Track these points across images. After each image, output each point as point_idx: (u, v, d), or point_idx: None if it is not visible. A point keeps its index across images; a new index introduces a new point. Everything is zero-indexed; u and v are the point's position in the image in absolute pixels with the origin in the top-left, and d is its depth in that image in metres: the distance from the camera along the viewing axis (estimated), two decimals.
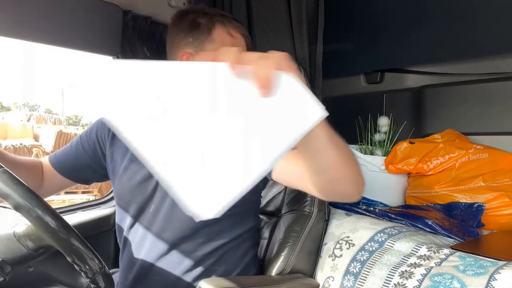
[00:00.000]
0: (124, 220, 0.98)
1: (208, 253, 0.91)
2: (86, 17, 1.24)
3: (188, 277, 0.90)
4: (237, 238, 0.95)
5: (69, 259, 0.61)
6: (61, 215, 0.63)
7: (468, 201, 1.28)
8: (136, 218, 0.94)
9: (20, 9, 1.09)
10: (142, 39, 1.40)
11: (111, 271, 1.06)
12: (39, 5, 1.13)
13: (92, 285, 0.62)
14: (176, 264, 0.91)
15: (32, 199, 0.59)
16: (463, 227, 1.17)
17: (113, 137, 0.98)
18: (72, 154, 1.03)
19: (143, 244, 0.93)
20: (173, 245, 0.91)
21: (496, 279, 0.82)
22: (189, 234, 0.90)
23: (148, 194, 0.93)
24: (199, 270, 0.91)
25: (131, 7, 1.35)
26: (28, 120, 7.17)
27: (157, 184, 0.91)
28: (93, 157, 1.01)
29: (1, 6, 1.04)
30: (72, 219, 1.21)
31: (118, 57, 1.36)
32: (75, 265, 0.61)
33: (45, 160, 1.03)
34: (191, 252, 0.91)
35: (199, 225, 0.89)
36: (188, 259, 0.91)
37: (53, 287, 0.67)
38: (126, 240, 0.97)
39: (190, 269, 0.90)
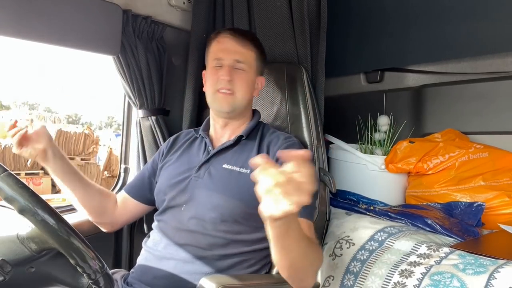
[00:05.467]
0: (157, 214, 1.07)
1: (224, 255, 0.93)
2: (86, 16, 1.24)
3: (202, 275, 0.90)
4: (256, 251, 0.97)
5: (72, 261, 0.61)
6: (62, 215, 0.63)
7: (468, 200, 1.29)
8: (164, 211, 1.04)
9: (20, 9, 1.09)
10: (142, 39, 1.40)
11: (111, 271, 1.06)
12: (39, 5, 1.13)
13: (93, 286, 0.62)
14: (189, 260, 0.93)
15: (36, 202, 0.59)
16: (463, 226, 1.17)
17: (166, 155, 1.13)
18: (139, 175, 1.17)
19: (164, 237, 0.98)
20: (191, 240, 0.94)
21: (496, 278, 0.82)
22: (207, 233, 0.94)
23: (180, 192, 1.01)
24: (213, 268, 0.92)
25: (131, 6, 1.35)
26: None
27: (187, 184, 1.01)
28: (154, 175, 1.13)
29: (1, 6, 1.04)
30: (72, 218, 1.21)
31: (118, 57, 1.36)
32: (77, 267, 0.61)
33: (120, 193, 1.16)
34: (207, 249, 0.93)
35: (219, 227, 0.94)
36: (203, 256, 0.93)
37: (54, 287, 0.67)
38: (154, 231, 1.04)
39: (203, 267, 0.92)
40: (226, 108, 1.01)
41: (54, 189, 5.25)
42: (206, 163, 1.02)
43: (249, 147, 1.01)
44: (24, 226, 0.64)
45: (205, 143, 1.07)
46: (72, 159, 5.37)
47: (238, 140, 1.03)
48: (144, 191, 1.12)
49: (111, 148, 6.08)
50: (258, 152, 0.99)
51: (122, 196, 1.14)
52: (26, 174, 4.98)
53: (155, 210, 1.09)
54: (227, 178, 0.96)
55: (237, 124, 1.07)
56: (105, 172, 5.81)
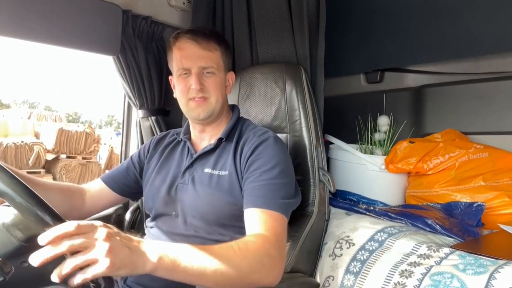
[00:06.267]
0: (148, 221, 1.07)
1: None
2: (86, 16, 1.24)
3: None
4: None
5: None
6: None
7: (468, 201, 1.28)
8: (155, 218, 1.04)
9: (20, 9, 1.09)
10: (142, 39, 1.40)
11: None
12: (39, 6, 1.13)
13: (91, 285, 0.61)
14: None
15: (15, 185, 0.58)
16: (463, 226, 1.17)
17: (152, 155, 1.11)
18: (123, 171, 1.14)
19: (161, 239, 0.98)
20: (184, 242, 0.93)
21: (496, 278, 0.82)
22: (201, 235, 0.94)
23: (169, 200, 1.01)
24: None
25: (131, 6, 1.35)
26: (29, 118, 7.20)
27: (176, 191, 1.00)
28: (139, 172, 1.12)
29: (1, 6, 1.04)
30: None
31: (118, 57, 1.36)
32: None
33: (96, 181, 1.14)
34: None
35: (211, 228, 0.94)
36: None
37: (53, 286, 0.67)
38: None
39: None
40: (202, 115, 1.00)
41: None
42: (189, 168, 1.01)
43: (227, 149, 1.00)
44: (8, 214, 0.62)
45: (188, 148, 1.05)
46: (73, 157, 5.39)
47: (218, 143, 1.01)
48: (126, 184, 1.11)
49: (112, 147, 6.10)
50: (234, 153, 0.97)
51: (98, 187, 1.11)
52: (28, 172, 4.94)
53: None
54: (208, 183, 0.96)
55: (215, 126, 1.05)
56: (107, 171, 5.82)
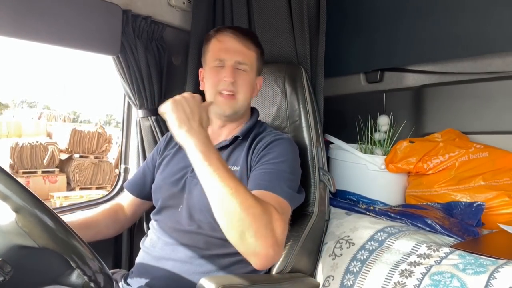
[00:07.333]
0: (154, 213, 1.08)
1: (222, 254, 0.93)
2: (86, 16, 1.24)
3: (201, 275, 0.90)
4: None
5: (68, 259, 0.60)
6: (60, 215, 0.62)
7: (468, 200, 1.28)
8: (160, 211, 1.04)
9: (20, 9, 1.09)
10: (142, 39, 1.40)
11: (111, 271, 1.06)
12: (39, 5, 1.13)
13: (91, 284, 0.61)
14: (187, 260, 0.93)
15: (31, 200, 0.59)
16: (463, 226, 1.17)
17: (164, 151, 1.13)
18: (141, 176, 1.17)
19: (161, 237, 0.99)
20: (188, 240, 0.94)
21: (496, 278, 0.82)
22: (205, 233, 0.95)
23: (176, 192, 1.02)
24: (211, 267, 0.92)
25: (130, 6, 1.35)
26: (39, 118, 7.36)
27: (184, 184, 1.00)
28: (155, 173, 1.13)
29: (1, 6, 1.04)
30: (71, 218, 1.21)
31: (117, 57, 1.36)
32: (73, 264, 0.61)
33: (125, 192, 1.18)
34: (204, 248, 0.93)
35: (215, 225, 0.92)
36: (201, 256, 0.93)
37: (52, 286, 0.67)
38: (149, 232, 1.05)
39: (202, 267, 0.92)
40: (228, 111, 1.01)
41: (69, 186, 5.39)
42: None
43: (242, 146, 1.02)
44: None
45: None
46: (86, 157, 5.57)
47: (234, 140, 1.03)
48: (147, 189, 1.13)
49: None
50: (248, 150, 0.99)
51: (128, 197, 1.16)
52: (43, 172, 5.14)
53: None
54: None
55: (235, 124, 1.07)
56: (116, 170, 5.93)
